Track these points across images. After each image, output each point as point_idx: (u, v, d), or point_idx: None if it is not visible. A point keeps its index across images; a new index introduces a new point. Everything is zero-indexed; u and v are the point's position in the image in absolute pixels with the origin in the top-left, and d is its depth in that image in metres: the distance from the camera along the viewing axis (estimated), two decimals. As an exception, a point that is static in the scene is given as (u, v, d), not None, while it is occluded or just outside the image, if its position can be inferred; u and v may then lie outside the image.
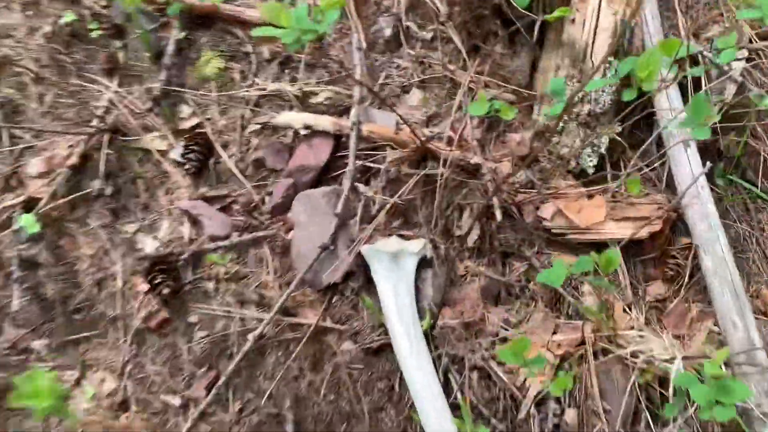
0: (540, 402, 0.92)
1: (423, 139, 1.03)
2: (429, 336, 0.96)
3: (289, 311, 1.02)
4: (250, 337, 1.00)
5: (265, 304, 1.03)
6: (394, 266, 0.97)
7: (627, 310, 0.97)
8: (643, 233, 1.00)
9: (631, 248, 1.03)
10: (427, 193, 1.06)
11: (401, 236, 1.01)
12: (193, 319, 1.03)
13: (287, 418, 0.96)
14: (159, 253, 1.06)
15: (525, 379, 0.92)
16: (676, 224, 1.05)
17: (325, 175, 1.11)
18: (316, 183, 1.10)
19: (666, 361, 0.87)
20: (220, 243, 1.07)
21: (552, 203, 1.03)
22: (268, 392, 0.97)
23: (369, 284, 1.02)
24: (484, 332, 0.98)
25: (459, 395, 0.93)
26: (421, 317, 0.96)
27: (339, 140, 1.13)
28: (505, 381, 0.93)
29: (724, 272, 0.91)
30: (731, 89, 1.08)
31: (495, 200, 1.04)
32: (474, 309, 0.99)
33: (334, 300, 1.03)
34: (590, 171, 1.06)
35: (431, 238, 1.02)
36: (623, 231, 1.00)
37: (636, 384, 0.91)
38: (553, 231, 1.03)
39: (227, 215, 1.12)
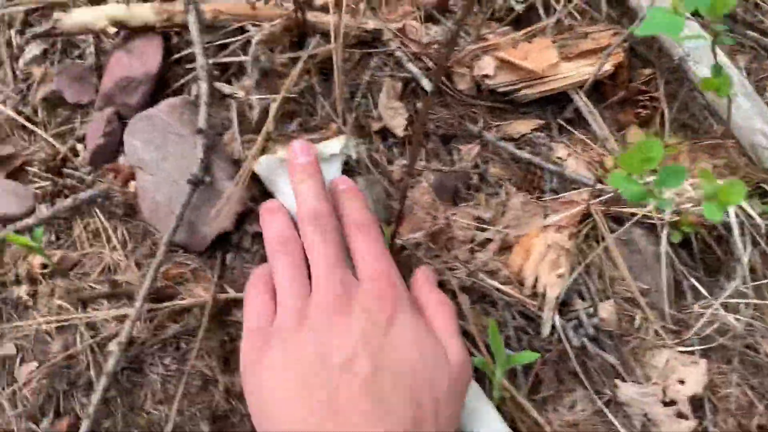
0: (562, 307, 0.69)
1: (300, 0, 0.75)
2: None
3: (165, 294, 0.69)
4: (113, 346, 0.65)
5: (123, 295, 0.69)
6: (310, 180, 0.68)
7: (617, 163, 0.78)
8: (608, 66, 0.81)
9: (592, 94, 0.83)
10: (321, 82, 0.79)
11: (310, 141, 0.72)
12: (6, 350, 0.66)
13: (208, 449, 0.63)
14: None
15: (535, 283, 0.69)
16: (630, 58, 0.88)
17: (161, 92, 0.79)
18: (151, 102, 0.77)
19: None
20: (20, 224, 0.71)
21: (490, 56, 0.81)
22: (168, 424, 0.64)
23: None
24: (455, 241, 0.73)
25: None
26: (368, 243, 0.69)
27: (169, 40, 0.81)
28: (509, 294, 0.69)
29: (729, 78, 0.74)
30: None
31: (414, 69, 0.80)
32: (433, 216, 0.73)
33: (228, 259, 0.71)
34: (519, 7, 0.85)
35: (340, 130, 0.74)
36: (583, 70, 0.81)
37: (669, 248, 0.71)
38: (500, 90, 0.80)
39: (21, 183, 0.75)
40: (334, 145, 0.70)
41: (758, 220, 0.68)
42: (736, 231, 0.68)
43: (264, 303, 0.57)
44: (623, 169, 0.53)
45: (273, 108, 0.73)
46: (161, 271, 0.69)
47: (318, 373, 0.49)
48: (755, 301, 0.69)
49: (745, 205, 0.68)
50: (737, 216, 0.68)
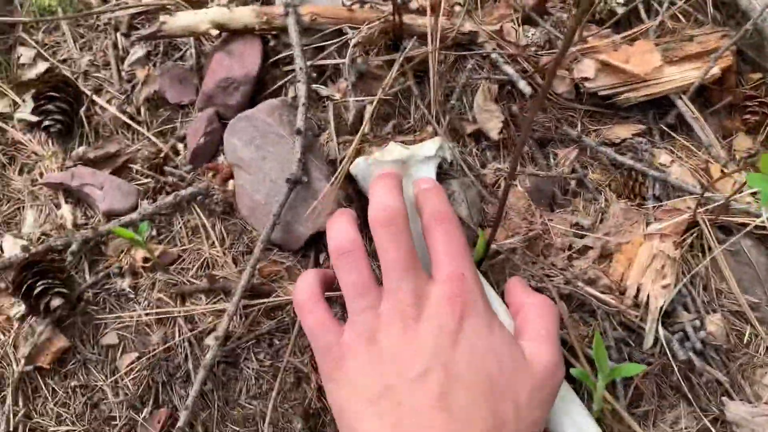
0: (665, 319, 0.67)
1: (396, 2, 0.76)
2: (481, 271, 0.69)
3: (261, 290, 0.71)
4: (210, 340, 0.67)
5: (221, 290, 0.71)
6: (406, 181, 0.69)
7: (725, 171, 0.75)
8: (715, 70, 0.78)
9: (696, 99, 0.81)
10: (416, 84, 0.79)
11: (403, 144, 0.73)
12: (109, 339, 0.69)
13: (303, 446, 0.64)
14: (29, 252, 0.71)
15: (638, 293, 0.67)
16: (739, 61, 0.85)
17: (260, 93, 0.81)
18: (250, 103, 0.79)
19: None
20: (125, 218, 0.74)
21: (590, 59, 0.79)
22: (264, 418, 0.65)
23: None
24: (553, 248, 0.71)
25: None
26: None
27: (267, 43, 0.83)
28: (609, 303, 0.67)
29: None
30: None
31: (510, 71, 0.79)
32: (529, 221, 0.73)
33: (322, 257, 0.73)
34: (620, 10, 0.84)
35: (435, 132, 0.75)
36: (687, 74, 0.78)
37: (782, 259, 0.68)
38: (601, 93, 0.79)
39: (125, 180, 0.78)
40: (429, 148, 0.70)
41: None
42: None
43: (325, 318, 0.55)
44: (763, 170, 0.51)
45: (368, 110, 0.74)
46: (257, 268, 0.71)
47: (391, 388, 0.48)
48: None
49: None
50: None
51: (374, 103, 0.74)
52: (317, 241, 0.73)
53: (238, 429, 0.65)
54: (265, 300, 0.70)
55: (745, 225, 0.70)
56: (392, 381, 0.49)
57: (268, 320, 0.70)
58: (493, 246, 0.70)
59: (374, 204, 0.58)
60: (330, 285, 0.61)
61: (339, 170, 0.71)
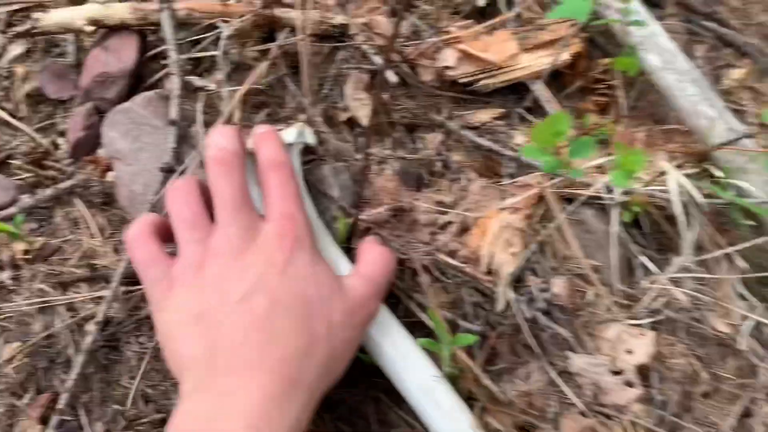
0: (516, 284, 0.73)
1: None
2: (350, 249, 0.74)
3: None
4: (90, 326, 0.70)
5: (102, 278, 0.74)
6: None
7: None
8: (565, 56, 0.85)
9: (552, 84, 0.88)
10: (291, 75, 0.83)
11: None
12: (-11, 330, 0.71)
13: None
14: None
15: (490, 262, 0.73)
16: (589, 47, 0.92)
17: (137, 87, 0.83)
18: (128, 97, 0.81)
19: (654, 180, 0.73)
20: (3, 212, 0.75)
21: (452, 48, 0.85)
22: (147, 397, 0.68)
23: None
24: (418, 224, 0.77)
25: (413, 306, 0.71)
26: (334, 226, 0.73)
27: (145, 39, 0.85)
28: (466, 272, 0.73)
29: (677, 62, 0.79)
30: None
31: (379, 61, 0.84)
32: (398, 201, 0.78)
33: (202, 244, 0.76)
34: (481, 2, 0.90)
35: (309, 121, 0.79)
36: (541, 61, 0.85)
37: (620, 227, 0.76)
38: (461, 81, 0.85)
39: (4, 176, 0.79)
40: (290, 133, 0.74)
41: (700, 199, 0.72)
42: (678, 209, 0.72)
43: (154, 253, 0.59)
44: (536, 143, 0.58)
45: (236, 97, 0.77)
46: (137, 255, 0.74)
47: (216, 309, 0.53)
48: (700, 275, 0.74)
49: (687, 184, 0.72)
50: (681, 195, 0.72)
51: (242, 91, 0.78)
52: (196, 227, 0.76)
53: (119, 407, 0.68)
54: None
55: (589, 197, 0.77)
56: (215, 303, 0.53)
57: (149, 305, 0.73)
58: (364, 224, 0.75)
59: (210, 145, 0.63)
60: (168, 232, 0.63)
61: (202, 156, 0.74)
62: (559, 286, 0.73)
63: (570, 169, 0.57)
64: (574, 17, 0.65)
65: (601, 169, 0.79)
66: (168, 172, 0.73)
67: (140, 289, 0.73)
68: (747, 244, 0.72)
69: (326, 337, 0.54)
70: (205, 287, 0.54)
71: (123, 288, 0.72)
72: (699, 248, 0.75)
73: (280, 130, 0.77)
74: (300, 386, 0.51)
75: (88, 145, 0.80)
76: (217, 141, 0.62)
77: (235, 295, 0.53)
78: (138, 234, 0.61)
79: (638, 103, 0.90)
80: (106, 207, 0.77)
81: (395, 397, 0.69)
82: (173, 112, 0.75)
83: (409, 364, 0.66)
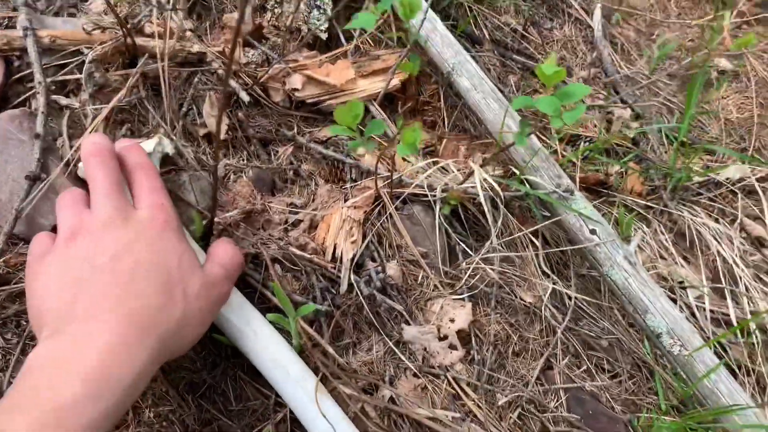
0: (357, 269, 0.85)
1: (127, 27, 0.88)
2: (205, 248, 0.82)
3: (6, 279, 0.78)
4: (-45, 324, 0.73)
5: (-34, 281, 0.77)
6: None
7: (407, 160, 0.96)
8: (396, 81, 1.00)
9: (387, 106, 1.02)
10: (152, 96, 0.91)
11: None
12: None
13: None
14: None
15: (334, 250, 0.84)
16: (419, 76, 1.08)
17: (3, 107, 0.88)
18: (-7, 116, 0.86)
19: (466, 179, 0.88)
20: None
21: (299, 74, 0.97)
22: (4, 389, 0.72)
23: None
24: (271, 223, 0.87)
25: (268, 293, 0.81)
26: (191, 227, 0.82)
27: (10, 64, 0.91)
28: (314, 262, 0.84)
29: (482, 85, 0.95)
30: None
31: (234, 84, 0.95)
32: (252, 203, 0.87)
33: (67, 247, 0.82)
34: (323, 36, 1.03)
35: (169, 135, 0.87)
36: (375, 85, 0.99)
37: (441, 219, 0.89)
38: (308, 101, 0.97)
39: None
40: (148, 144, 0.82)
41: (500, 192, 0.87)
42: (484, 201, 0.87)
43: (44, 236, 0.66)
44: (340, 123, 0.71)
45: (101, 114, 0.85)
46: (3, 259, 0.78)
47: (82, 270, 0.58)
48: (504, 254, 0.89)
49: (489, 179, 0.87)
50: (486, 190, 0.87)
51: (108, 109, 0.85)
52: (62, 232, 0.82)
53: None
54: (10, 287, 0.78)
55: (415, 195, 0.91)
56: (82, 266, 0.58)
57: (14, 304, 0.77)
58: (219, 224, 0.84)
59: (85, 144, 0.70)
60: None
61: (67, 163, 0.81)
62: (392, 268, 0.85)
63: (365, 144, 0.71)
64: (365, 26, 0.79)
65: (426, 172, 0.94)
66: (33, 180, 0.78)
67: (6, 290, 0.77)
68: (538, 226, 0.88)
69: (182, 302, 0.60)
70: (74, 255, 0.59)
71: (-12, 289, 0.76)
72: (506, 233, 0.90)
73: (140, 142, 0.85)
74: (152, 335, 0.56)
75: (-49, 160, 0.84)
76: (92, 139, 0.70)
77: (102, 257, 0.58)
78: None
79: (459, 122, 1.06)
80: (-30, 217, 0.81)
81: (252, 373, 0.78)
82: (39, 127, 0.81)
83: (262, 341, 0.75)
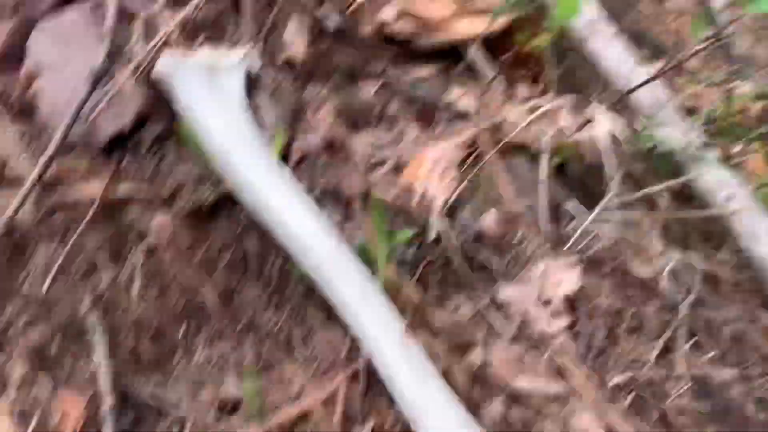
0: (449, 217, 0.74)
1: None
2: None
3: (57, 185, 0.69)
4: (-5, 224, 0.65)
5: (14, 181, 0.69)
6: (212, 87, 0.72)
7: (506, 104, 0.85)
8: (499, 24, 0.89)
9: (486, 48, 0.91)
10: (232, 10, 0.83)
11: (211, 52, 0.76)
12: None
13: (92, 328, 0.62)
14: None
15: (424, 194, 0.74)
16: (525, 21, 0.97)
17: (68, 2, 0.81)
18: (58, 10, 0.78)
19: (582, 128, 0.77)
20: None
21: (392, 6, 0.88)
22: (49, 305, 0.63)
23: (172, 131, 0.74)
24: (354, 159, 0.77)
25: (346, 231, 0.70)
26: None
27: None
28: (400, 205, 0.73)
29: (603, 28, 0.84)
30: None
31: (322, 10, 0.86)
32: (334, 133, 0.78)
33: (125, 160, 0.73)
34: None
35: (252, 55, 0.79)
36: (477, 26, 0.89)
37: (547, 172, 0.78)
38: (399, 38, 0.87)
39: None
40: (235, 55, 0.73)
41: (624, 144, 0.76)
42: (606, 152, 0.75)
43: None
44: None
45: (176, 19, 0.76)
46: (54, 165, 0.70)
47: None
48: (623, 216, 0.76)
49: (614, 129, 0.76)
50: (610, 142, 0.76)
51: (182, 14, 0.77)
52: (120, 143, 0.73)
53: (18, 308, 0.62)
54: (61, 195, 0.69)
55: (519, 145, 0.80)
56: None
57: (63, 213, 0.68)
58: (299, 154, 0.75)
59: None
60: None
61: (142, 68, 0.72)
62: (489, 220, 0.74)
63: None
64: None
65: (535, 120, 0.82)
66: (97, 80, 0.70)
67: (56, 197, 0.68)
68: (661, 186, 0.76)
69: None
70: None
71: (37, 194, 0.67)
72: (622, 194, 0.78)
73: (225, 51, 0.76)
74: None
75: (14, 58, 0.76)
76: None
77: None
78: None
79: (565, 76, 0.95)
80: (27, 117, 0.73)
81: (325, 318, 0.67)
82: (109, 22, 0.73)
83: (345, 272, 0.64)
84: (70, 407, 0.57)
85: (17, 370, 0.58)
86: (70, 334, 0.61)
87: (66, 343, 0.61)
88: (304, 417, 0.62)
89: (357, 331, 0.63)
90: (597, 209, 0.76)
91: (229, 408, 0.62)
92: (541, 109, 0.78)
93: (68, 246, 0.65)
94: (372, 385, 0.64)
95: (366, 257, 0.66)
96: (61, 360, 0.60)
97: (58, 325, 0.61)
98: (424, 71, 0.88)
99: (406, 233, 0.64)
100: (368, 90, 0.85)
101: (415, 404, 0.60)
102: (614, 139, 0.77)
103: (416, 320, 0.66)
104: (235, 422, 0.61)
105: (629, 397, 0.67)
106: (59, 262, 0.64)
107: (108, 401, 0.58)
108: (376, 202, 0.62)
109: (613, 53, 0.84)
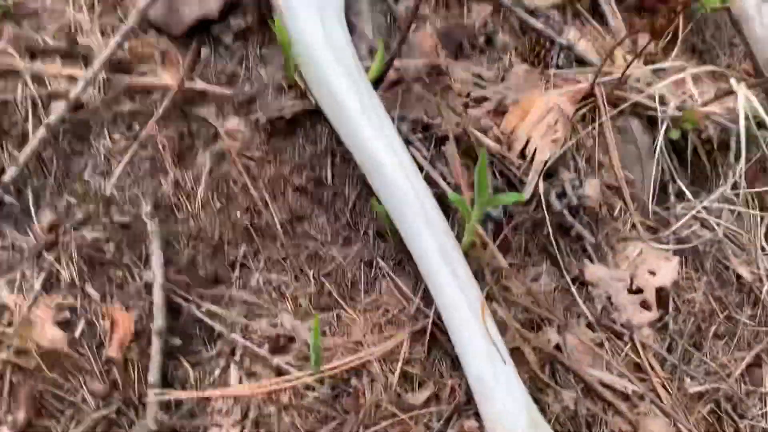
0: (547, 177, 0.66)
1: None
2: (379, 95, 0.64)
3: (128, 68, 0.63)
4: (59, 105, 0.59)
5: (81, 56, 0.62)
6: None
7: (626, 59, 0.75)
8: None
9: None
10: None
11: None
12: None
13: (149, 231, 0.57)
14: None
15: (526, 145, 0.66)
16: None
17: None
18: None
19: (716, 99, 0.67)
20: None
21: None
22: (108, 200, 0.58)
23: (264, 25, 0.66)
24: (452, 91, 0.69)
25: (433, 173, 0.63)
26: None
27: None
28: (497, 152, 0.66)
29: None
30: None
31: None
32: (432, 58, 0.69)
33: (204, 51, 0.66)
34: None
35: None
36: (612, -41, 0.78)
37: (664, 143, 0.70)
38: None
39: None
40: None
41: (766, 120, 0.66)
42: (741, 127, 0.66)
43: None
44: None
45: None
46: (128, 44, 0.63)
47: None
48: (739, 208, 0.68)
49: (756, 103, 0.66)
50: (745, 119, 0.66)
51: None
52: (202, 31, 0.66)
53: (74, 201, 0.57)
54: (131, 79, 0.62)
55: (638, 106, 0.71)
56: None
57: (131, 101, 0.62)
58: (394, 77, 0.67)
59: None
60: None
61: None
62: (592, 187, 0.66)
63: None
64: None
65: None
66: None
67: (126, 81, 0.62)
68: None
69: None
70: None
71: (105, 74, 0.61)
72: (741, 184, 0.70)
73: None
74: None
75: None
76: None
77: None
78: None
79: (691, 37, 0.84)
80: (100, -17, 0.66)
81: (395, 265, 0.62)
82: None
83: (430, 229, 0.57)
84: (120, 318, 0.53)
85: (68, 270, 0.54)
86: (127, 239, 0.56)
87: (121, 248, 0.56)
88: (360, 369, 0.57)
89: (430, 287, 0.58)
90: (712, 195, 0.68)
91: (282, 344, 0.58)
92: (673, 76, 0.68)
93: (135, 142, 0.59)
94: (436, 346, 0.59)
95: (447, 205, 0.59)
96: (114, 266, 0.56)
97: (114, 228, 0.56)
98: (545, 1, 0.78)
99: (513, 196, 0.56)
100: (477, 12, 0.75)
101: (481, 379, 0.55)
102: (758, 115, 0.67)
103: (493, 287, 0.60)
104: (287, 360, 0.57)
105: (706, 408, 0.62)
106: (126, 159, 0.59)
107: (159, 319, 0.53)
108: (482, 151, 0.54)
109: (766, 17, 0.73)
